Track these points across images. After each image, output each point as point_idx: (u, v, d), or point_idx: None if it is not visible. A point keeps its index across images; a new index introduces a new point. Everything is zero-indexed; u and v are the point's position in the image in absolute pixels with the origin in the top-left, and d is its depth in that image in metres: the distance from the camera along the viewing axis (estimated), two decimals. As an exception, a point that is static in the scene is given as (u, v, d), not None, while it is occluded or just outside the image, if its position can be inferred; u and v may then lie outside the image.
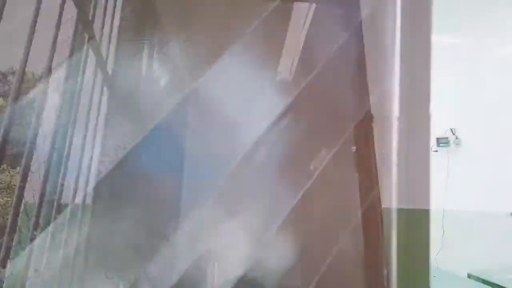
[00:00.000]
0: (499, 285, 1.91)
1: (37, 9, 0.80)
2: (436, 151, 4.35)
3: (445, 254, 4.22)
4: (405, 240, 0.85)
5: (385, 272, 0.82)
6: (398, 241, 0.82)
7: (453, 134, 4.13)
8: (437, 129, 4.33)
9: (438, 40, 4.40)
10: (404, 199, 0.78)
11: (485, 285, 3.38)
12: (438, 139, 4.21)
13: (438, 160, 4.35)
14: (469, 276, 2.08)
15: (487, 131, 3.82)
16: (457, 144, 4.08)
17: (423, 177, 0.75)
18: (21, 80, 0.82)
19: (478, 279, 2.03)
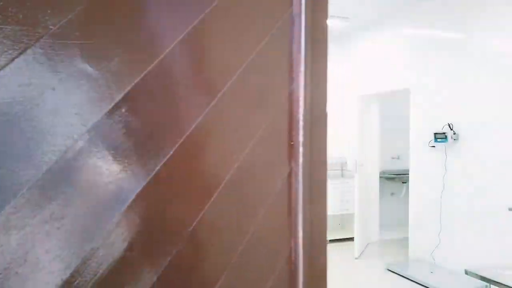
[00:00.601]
0: (496, 282, 1.88)
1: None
2: (434, 146, 4.33)
3: (443, 250, 4.21)
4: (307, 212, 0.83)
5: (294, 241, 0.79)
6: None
7: (451, 129, 4.09)
8: (434, 124, 4.30)
9: (437, 34, 4.38)
10: (307, 178, 0.78)
11: (483, 282, 3.38)
12: (435, 134, 4.18)
13: (435, 155, 4.33)
14: (467, 272, 2.04)
15: (485, 126, 3.79)
16: (455, 139, 4.05)
17: (322, 165, 0.76)
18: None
19: (476, 275, 2.00)
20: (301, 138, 0.78)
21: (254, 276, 0.77)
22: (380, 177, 5.78)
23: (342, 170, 6.04)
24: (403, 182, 6.12)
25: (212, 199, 0.76)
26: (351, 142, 5.85)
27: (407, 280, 4.02)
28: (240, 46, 0.78)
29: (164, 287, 0.70)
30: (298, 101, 0.79)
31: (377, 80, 5.30)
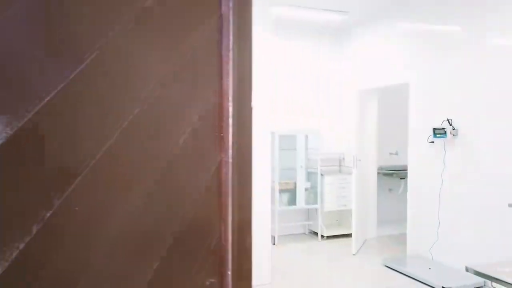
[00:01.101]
0: (499, 279, 1.83)
1: None
2: (433, 142, 4.28)
3: (441, 246, 4.17)
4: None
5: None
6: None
7: (450, 124, 4.05)
8: (433, 119, 4.25)
9: (436, 28, 4.32)
10: (235, 166, 0.81)
11: (483, 279, 3.35)
12: (434, 130, 4.13)
13: (434, 151, 4.28)
14: (467, 269, 2.00)
15: (484, 121, 3.74)
16: (454, 135, 4.00)
17: (247, 155, 0.80)
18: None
19: (477, 273, 1.95)
20: (230, 130, 0.83)
21: (187, 258, 0.82)
22: (378, 173, 5.73)
23: (340, 166, 6.00)
24: (401, 178, 6.08)
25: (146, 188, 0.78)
26: (349, 137, 5.80)
27: (405, 276, 3.99)
28: (171, 41, 0.80)
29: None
30: (227, 95, 0.83)
31: (376, 74, 5.25)
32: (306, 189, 5.39)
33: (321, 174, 5.40)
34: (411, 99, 4.62)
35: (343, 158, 5.95)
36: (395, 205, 6.38)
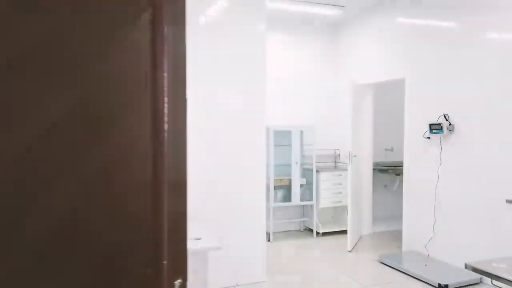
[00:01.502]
0: (498, 276, 1.79)
1: None
2: (429, 137, 4.24)
3: (437, 242, 4.14)
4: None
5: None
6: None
7: (446, 120, 4.01)
8: (430, 115, 4.22)
9: (432, 23, 4.27)
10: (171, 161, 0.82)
11: (482, 276, 3.32)
12: (431, 125, 4.09)
13: (430, 147, 4.25)
14: (466, 267, 1.96)
15: (481, 117, 3.71)
16: (450, 130, 3.97)
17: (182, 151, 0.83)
18: None
19: (475, 269, 1.91)
20: (165, 127, 0.84)
21: (123, 250, 0.83)
22: (373, 169, 5.70)
23: (335, 162, 5.95)
24: (396, 174, 6.05)
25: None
26: (344, 134, 5.75)
27: (400, 273, 3.96)
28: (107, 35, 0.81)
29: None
30: (162, 89, 0.83)
31: (371, 70, 5.20)
32: (301, 186, 5.34)
33: (317, 171, 5.35)
34: (407, 94, 4.58)
35: (338, 155, 5.90)
36: (390, 201, 6.35)
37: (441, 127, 3.97)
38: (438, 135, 4.08)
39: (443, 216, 4.09)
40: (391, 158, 6.25)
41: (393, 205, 6.37)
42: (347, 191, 5.40)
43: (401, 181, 6.26)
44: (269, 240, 5.14)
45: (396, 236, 5.32)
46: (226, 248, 3.60)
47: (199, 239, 2.56)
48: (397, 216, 6.19)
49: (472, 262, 1.93)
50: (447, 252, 4.03)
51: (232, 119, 3.60)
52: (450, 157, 4.03)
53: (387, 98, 6.20)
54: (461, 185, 3.90)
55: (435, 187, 4.17)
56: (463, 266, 3.82)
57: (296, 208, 5.70)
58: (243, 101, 3.65)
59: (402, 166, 6.15)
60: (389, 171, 5.95)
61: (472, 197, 3.77)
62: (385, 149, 6.21)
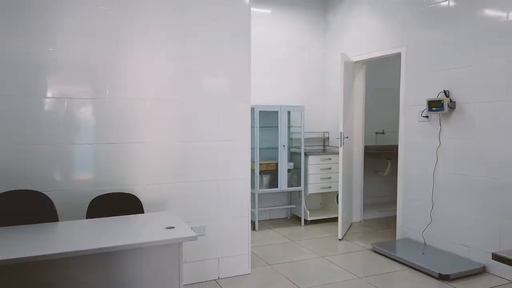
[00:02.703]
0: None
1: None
2: (427, 116, 3.91)
3: (435, 229, 3.85)
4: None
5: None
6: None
7: (447, 96, 3.68)
8: (429, 91, 3.88)
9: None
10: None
11: (484, 264, 3.02)
12: (430, 103, 3.76)
13: (429, 126, 3.92)
14: (494, 257, 1.62)
15: (486, 93, 3.39)
16: (451, 108, 3.64)
17: None
18: None
19: (503, 259, 1.58)
20: None
21: None
22: (364, 153, 5.37)
23: (324, 145, 5.60)
24: (388, 159, 5.75)
25: None
26: (334, 115, 5.40)
27: (396, 262, 3.66)
28: None
29: None
30: None
31: (364, 44, 4.82)
32: (288, 170, 4.97)
33: (305, 154, 4.99)
34: (403, 70, 4.23)
35: (328, 138, 5.55)
36: (381, 187, 6.07)
37: (442, 104, 3.64)
38: (437, 113, 3.76)
39: (442, 201, 3.79)
40: (381, 142, 5.95)
41: (383, 191, 6.10)
42: (336, 176, 5.07)
43: (392, 166, 5.98)
44: (254, 229, 4.77)
45: (388, 223, 5.04)
46: (205, 238, 3.23)
47: (172, 227, 2.16)
48: (388, 203, 5.92)
49: (498, 251, 1.59)
50: (446, 240, 3.75)
51: (214, 98, 3.18)
52: (450, 137, 3.71)
53: (378, 78, 5.87)
54: (462, 167, 3.60)
55: (433, 170, 3.87)
56: (464, 254, 3.57)
57: (283, 195, 5.34)
58: (226, 78, 3.23)
59: (394, 150, 5.85)
60: (380, 155, 5.64)
61: (474, 180, 3.48)
62: (376, 132, 5.90)
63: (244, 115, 3.32)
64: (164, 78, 3.00)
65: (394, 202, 5.95)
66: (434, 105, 3.72)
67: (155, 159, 2.98)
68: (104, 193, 2.75)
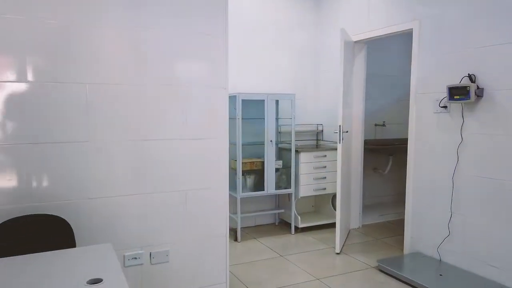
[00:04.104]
0: None
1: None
2: (445, 106, 3.21)
3: (454, 243, 3.17)
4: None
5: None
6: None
7: (473, 81, 2.98)
8: (449, 75, 3.17)
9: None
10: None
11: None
12: (451, 90, 3.04)
13: (448, 118, 3.22)
14: None
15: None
16: (479, 95, 2.94)
17: None
18: None
19: None
20: None
21: None
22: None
23: (317, 140, 4.87)
24: (389, 155, 5.07)
25: None
26: (328, 105, 4.66)
27: (407, 286, 2.97)
28: None
29: None
30: None
31: (367, 19, 4.07)
32: (277, 170, 4.23)
33: (296, 151, 4.25)
34: (415, 51, 3.50)
35: (322, 131, 4.82)
36: (381, 186, 5.40)
37: (468, 91, 2.93)
38: (460, 103, 3.05)
39: (464, 210, 3.11)
40: (382, 135, 5.26)
41: (383, 191, 5.43)
42: (334, 176, 4.35)
43: (394, 163, 5.31)
44: (236, 240, 4.04)
45: (392, 230, 4.36)
46: (168, 267, 2.47)
47: (99, 281, 1.39)
48: (389, 204, 5.26)
49: None
50: (469, 258, 3.08)
51: (180, 83, 2.39)
52: (475, 133, 3.01)
53: (375, 62, 5.14)
54: (490, 169, 2.91)
55: (453, 172, 3.17)
56: (493, 277, 2.88)
57: (270, 198, 4.61)
58: (196, 58, 2.43)
59: (395, 144, 5.17)
60: (380, 151, 4.95)
61: (507, 186, 2.80)
62: (375, 124, 5.20)
63: (220, 106, 2.55)
64: (111, 56, 2.18)
65: (396, 203, 5.29)
66: (457, 93, 3.01)
67: (99, 164, 2.19)
68: (21, 214, 1.96)
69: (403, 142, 5.20)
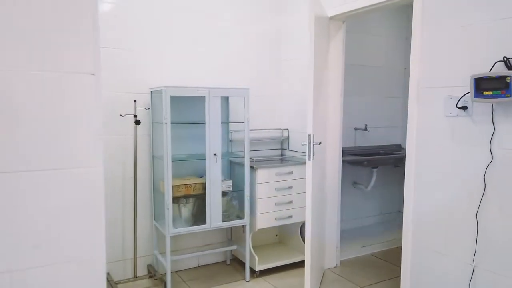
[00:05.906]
0: None
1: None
2: (465, 107, 2.15)
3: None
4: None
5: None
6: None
7: (509, 68, 1.93)
8: (472, 59, 2.11)
9: None
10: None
11: None
12: (478, 82, 1.98)
13: (469, 125, 2.15)
14: None
15: None
16: (521, 90, 1.90)
17: None
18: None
19: None
20: None
21: None
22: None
23: (282, 149, 3.74)
24: (373, 167, 4.02)
25: None
26: (296, 103, 3.54)
27: None
28: None
29: None
30: None
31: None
32: (224, 194, 3.06)
33: (251, 167, 3.09)
34: (416, 28, 2.42)
35: (287, 137, 3.70)
36: (362, 206, 4.37)
37: (507, 83, 1.87)
38: (491, 101, 1.98)
39: (494, 265, 2.06)
40: (363, 142, 4.20)
41: (365, 211, 4.40)
42: (303, 198, 3.24)
43: (378, 177, 4.28)
44: (165, 296, 2.85)
45: (378, 268, 3.28)
46: None
47: None
48: (371, 228, 4.21)
49: None
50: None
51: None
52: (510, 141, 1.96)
53: (353, 50, 4.09)
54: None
55: (477, 207, 2.12)
56: None
57: (216, 233, 3.45)
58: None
59: (380, 154, 4.13)
60: (362, 162, 3.88)
61: None
62: (356, 128, 4.14)
63: (85, 106, 1.35)
64: None
65: (380, 226, 4.27)
66: (488, 86, 1.95)
67: None
68: None
69: (390, 151, 4.20)
